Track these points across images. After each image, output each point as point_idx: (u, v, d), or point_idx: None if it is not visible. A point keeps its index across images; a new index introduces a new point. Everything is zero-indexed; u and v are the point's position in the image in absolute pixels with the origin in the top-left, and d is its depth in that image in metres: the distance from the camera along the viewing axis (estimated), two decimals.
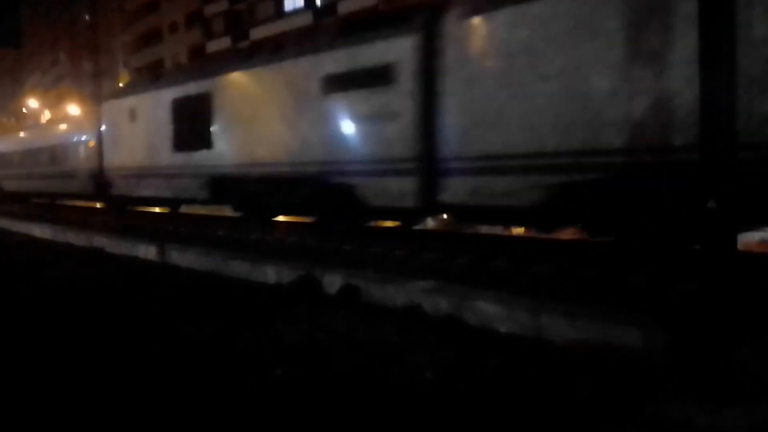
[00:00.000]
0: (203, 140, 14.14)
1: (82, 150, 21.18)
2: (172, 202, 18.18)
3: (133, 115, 17.15)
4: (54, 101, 65.83)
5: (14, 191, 29.48)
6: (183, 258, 9.78)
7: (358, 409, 3.89)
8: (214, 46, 47.39)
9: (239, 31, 44.94)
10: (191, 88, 14.84)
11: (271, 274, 8.06)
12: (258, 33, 43.23)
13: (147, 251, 10.65)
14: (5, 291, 7.83)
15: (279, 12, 41.82)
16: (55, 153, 23.70)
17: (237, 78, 13.59)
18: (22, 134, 31.69)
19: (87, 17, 68.22)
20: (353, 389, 4.22)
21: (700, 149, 3.98)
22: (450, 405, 3.92)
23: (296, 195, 12.24)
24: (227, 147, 13.69)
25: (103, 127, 18.91)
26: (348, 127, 10.87)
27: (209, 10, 48.00)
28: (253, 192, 13.22)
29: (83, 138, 21.16)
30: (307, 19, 39.37)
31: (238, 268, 8.60)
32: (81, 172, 20.98)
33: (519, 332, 5.23)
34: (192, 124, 14.61)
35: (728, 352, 3.71)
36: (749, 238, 9.17)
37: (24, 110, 68.25)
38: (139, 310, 6.66)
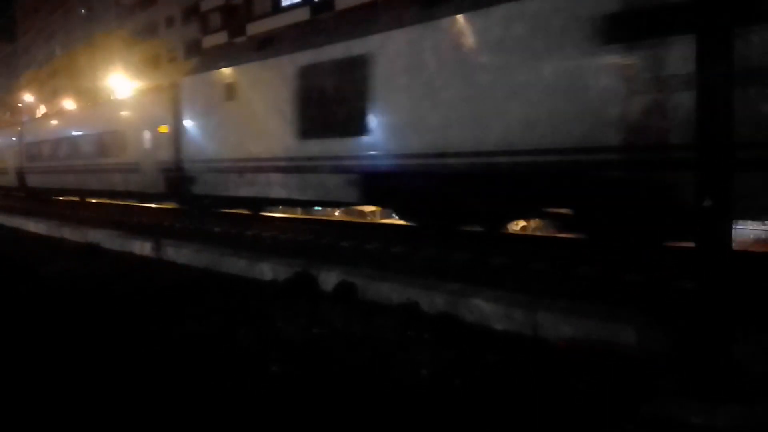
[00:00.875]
0: (352, 122, 10.38)
1: (149, 138, 16.42)
2: (291, 204, 14.49)
3: (231, 92, 13.16)
4: (50, 95, 65.51)
5: (42, 188, 24.85)
6: (179, 254, 9.75)
7: (356, 406, 3.89)
8: (210, 41, 47.24)
9: (236, 26, 44.77)
10: (331, 52, 10.90)
11: (267, 270, 8.04)
12: (255, 28, 43.10)
13: (142, 247, 10.62)
14: (6, 291, 7.79)
15: (276, 7, 41.65)
16: (106, 142, 18.86)
17: (419, 33, 9.53)
18: (54, 120, 26.51)
19: (83, 11, 67.86)
20: (351, 386, 4.22)
21: (697, 147, 3.98)
22: (447, 402, 3.92)
23: (525, 195, 8.65)
24: (397, 130, 9.85)
25: (182, 109, 14.79)
26: (656, 92, 7.06)
27: (206, 4, 47.79)
28: (440, 192, 9.55)
29: (151, 123, 16.44)
30: (304, 14, 39.24)
31: (234, 264, 8.57)
32: (147, 165, 16.47)
33: (516, 330, 5.24)
34: (332, 101, 10.88)
35: (725, 351, 3.72)
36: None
37: (19, 104, 67.88)
38: (138, 309, 6.64)
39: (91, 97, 45.33)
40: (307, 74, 11.35)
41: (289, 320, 5.89)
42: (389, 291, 6.43)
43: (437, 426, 3.63)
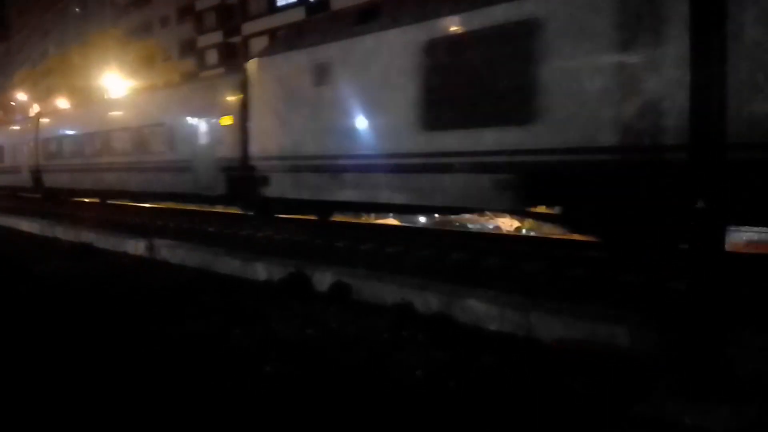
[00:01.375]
0: (509, 107, 8.05)
1: (205, 132, 14.13)
2: (408, 211, 12.24)
3: (323, 75, 10.68)
4: (43, 94, 65.18)
5: (62, 188, 22.24)
6: (173, 254, 9.72)
7: (350, 406, 3.88)
8: (205, 40, 47.20)
9: (231, 26, 44.72)
10: (473, 20, 8.49)
11: (261, 271, 8.03)
12: (250, 28, 43.06)
13: (136, 247, 10.58)
14: (5, 290, 7.77)
15: (271, 7, 41.63)
16: (148, 137, 16.54)
17: None
18: (79, 112, 23.78)
19: (77, 10, 67.61)
20: (345, 386, 4.21)
21: (689, 149, 3.99)
22: (442, 403, 3.92)
23: None
24: (587, 116, 7.28)
25: (252, 97, 12.42)
26: None
27: (200, 4, 47.75)
28: (659, 198, 6.87)
29: (209, 114, 14.00)
30: (299, 15, 39.23)
31: (229, 264, 8.56)
32: (203, 163, 14.10)
33: (510, 330, 5.24)
34: (480, 82, 8.44)
35: (718, 352, 3.74)
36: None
37: (12, 103, 67.55)
38: (132, 309, 6.61)
39: (85, 96, 45.12)
40: (440, 48, 8.87)
41: (283, 321, 5.88)
42: (384, 291, 6.43)
43: (432, 427, 3.63)
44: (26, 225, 15.42)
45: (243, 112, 12.59)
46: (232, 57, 43.78)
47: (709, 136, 3.83)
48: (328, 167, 10.71)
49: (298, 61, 11.27)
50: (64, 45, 66.76)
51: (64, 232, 13.18)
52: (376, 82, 9.87)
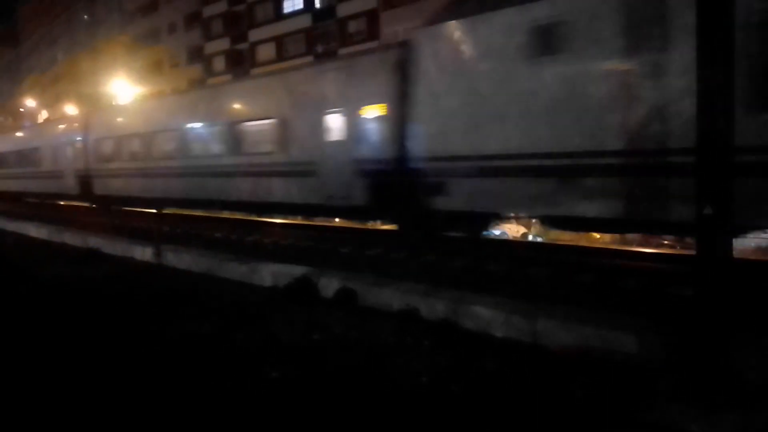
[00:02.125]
0: None
1: (339, 126, 11.13)
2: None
3: (549, 43, 7.75)
4: (52, 100, 65.68)
5: (119, 196, 18.93)
6: (179, 259, 9.75)
7: (354, 411, 3.88)
8: (212, 47, 47.51)
9: (238, 33, 45.02)
10: None
11: (267, 276, 8.04)
12: (257, 35, 43.33)
13: (143, 252, 10.62)
14: (7, 292, 7.81)
15: (278, 14, 41.88)
16: (247, 133, 13.46)
17: None
18: (146, 108, 19.44)
19: (85, 17, 68.20)
20: (349, 392, 4.21)
21: (695, 152, 3.98)
22: (446, 409, 3.92)
23: None
24: None
25: (419, 78, 9.48)
26: None
27: (208, 11, 48.05)
28: None
29: (345, 104, 11.03)
30: (306, 21, 39.45)
31: (235, 270, 8.58)
32: (333, 165, 11.17)
33: (515, 337, 5.23)
34: None
35: (725, 358, 3.72)
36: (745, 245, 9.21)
37: (21, 109, 68.09)
38: (139, 312, 6.64)
39: (93, 103, 45.46)
40: None
41: (288, 326, 5.89)
42: (389, 297, 6.43)
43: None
44: (34, 230, 15.51)
45: (403, 99, 9.86)
46: (240, 64, 44.03)
47: (714, 142, 3.82)
48: (559, 169, 7.84)
49: (502, 25, 8.34)
50: (73, 51, 67.28)
51: (71, 238, 13.25)
52: (658, 45, 6.88)
